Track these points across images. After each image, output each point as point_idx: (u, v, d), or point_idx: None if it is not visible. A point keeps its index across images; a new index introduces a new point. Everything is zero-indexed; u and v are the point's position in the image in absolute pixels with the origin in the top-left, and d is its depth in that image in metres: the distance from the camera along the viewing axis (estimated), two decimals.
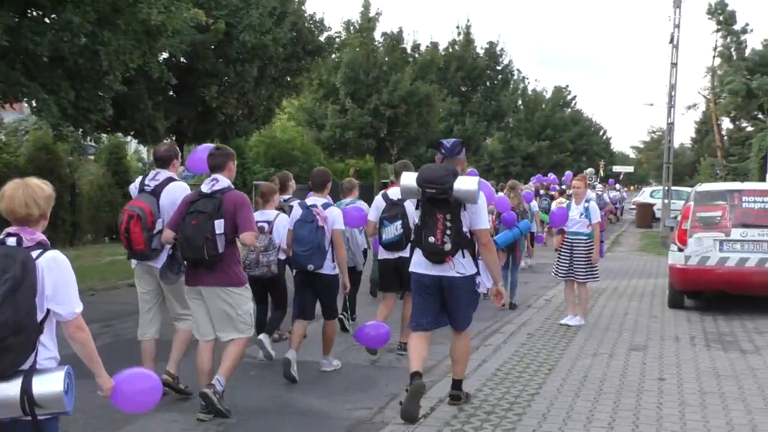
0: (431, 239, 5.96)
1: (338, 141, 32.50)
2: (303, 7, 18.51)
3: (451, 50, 43.72)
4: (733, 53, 47.78)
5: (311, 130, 33.07)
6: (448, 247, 5.94)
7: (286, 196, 8.86)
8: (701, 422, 5.85)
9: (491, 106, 43.99)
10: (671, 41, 25.78)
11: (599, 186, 35.46)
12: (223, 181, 6.24)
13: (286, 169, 35.66)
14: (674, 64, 25.81)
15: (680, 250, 11.13)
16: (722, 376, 7.37)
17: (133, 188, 7.00)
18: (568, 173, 27.00)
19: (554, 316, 10.82)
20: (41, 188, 3.53)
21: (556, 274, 10.65)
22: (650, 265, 18.63)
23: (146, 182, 6.70)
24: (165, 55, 15.88)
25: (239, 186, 29.59)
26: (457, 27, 45.63)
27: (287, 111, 38.03)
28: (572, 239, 10.12)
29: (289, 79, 19.41)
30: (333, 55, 26.14)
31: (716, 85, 48.52)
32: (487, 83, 45.33)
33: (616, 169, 57.91)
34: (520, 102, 55.63)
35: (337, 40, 19.63)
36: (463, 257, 6.12)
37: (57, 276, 3.42)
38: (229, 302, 6.13)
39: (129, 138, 18.23)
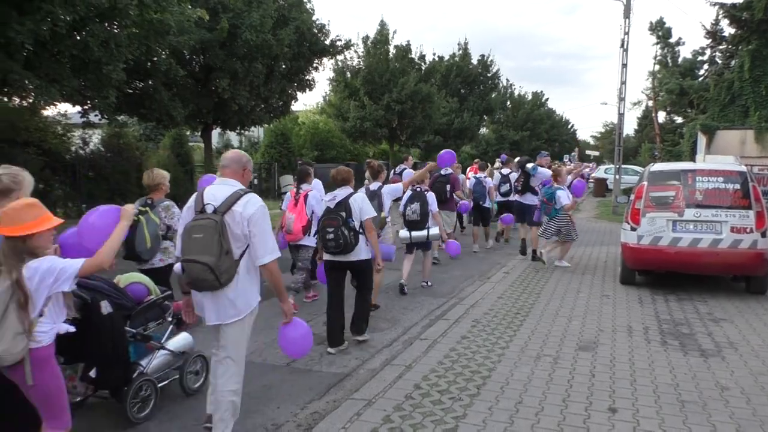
0: None
1: (359, 130, 30.20)
2: (306, 15, 15.24)
3: (451, 61, 40.17)
4: (669, 61, 46.02)
5: (338, 121, 30.57)
6: None
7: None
8: None
9: (483, 104, 40.69)
10: (622, 45, 22.30)
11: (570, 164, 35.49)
12: (448, 170, 9.77)
13: (325, 152, 33.33)
14: (624, 65, 22.43)
15: (633, 229, 8.03)
16: (687, 404, 4.14)
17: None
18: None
19: (507, 293, 7.67)
20: (351, 169, 5.84)
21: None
22: (604, 230, 15.25)
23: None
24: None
25: (285, 166, 26.91)
26: (458, 44, 42.32)
27: (321, 107, 35.89)
28: None
29: (301, 75, 16.32)
30: (340, 56, 22.97)
31: (656, 85, 47.04)
32: (480, 87, 41.63)
33: (588, 152, 61.94)
34: (508, 102, 52.43)
35: (338, 43, 16.36)
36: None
37: (363, 205, 5.56)
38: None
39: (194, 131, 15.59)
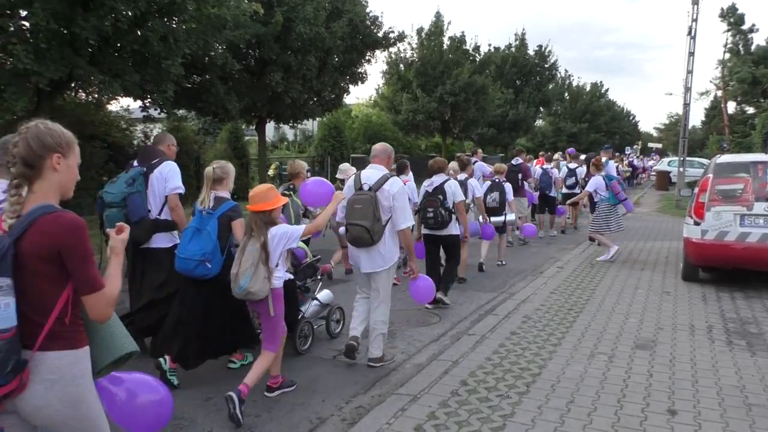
0: None
1: (411, 122, 30.13)
2: (359, 7, 15.21)
3: (507, 52, 39.39)
4: (741, 49, 43.39)
5: (390, 114, 30.60)
6: None
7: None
8: None
9: (539, 96, 39.76)
10: (689, 33, 21.26)
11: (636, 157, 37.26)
12: (518, 160, 11.38)
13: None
14: (691, 53, 21.39)
15: (697, 223, 7.63)
16: (754, 407, 3.90)
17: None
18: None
19: (560, 289, 7.43)
20: (445, 160, 7.23)
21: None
22: (666, 225, 14.69)
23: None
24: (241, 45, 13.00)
25: (338, 159, 27.02)
26: (515, 34, 41.54)
27: (374, 99, 35.93)
28: None
29: (353, 68, 16.31)
30: (393, 48, 22.78)
31: (726, 74, 44.18)
32: (537, 77, 40.67)
33: (650, 144, 60.21)
34: (566, 93, 50.94)
35: (391, 35, 16.27)
36: None
37: (455, 190, 6.66)
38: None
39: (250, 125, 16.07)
